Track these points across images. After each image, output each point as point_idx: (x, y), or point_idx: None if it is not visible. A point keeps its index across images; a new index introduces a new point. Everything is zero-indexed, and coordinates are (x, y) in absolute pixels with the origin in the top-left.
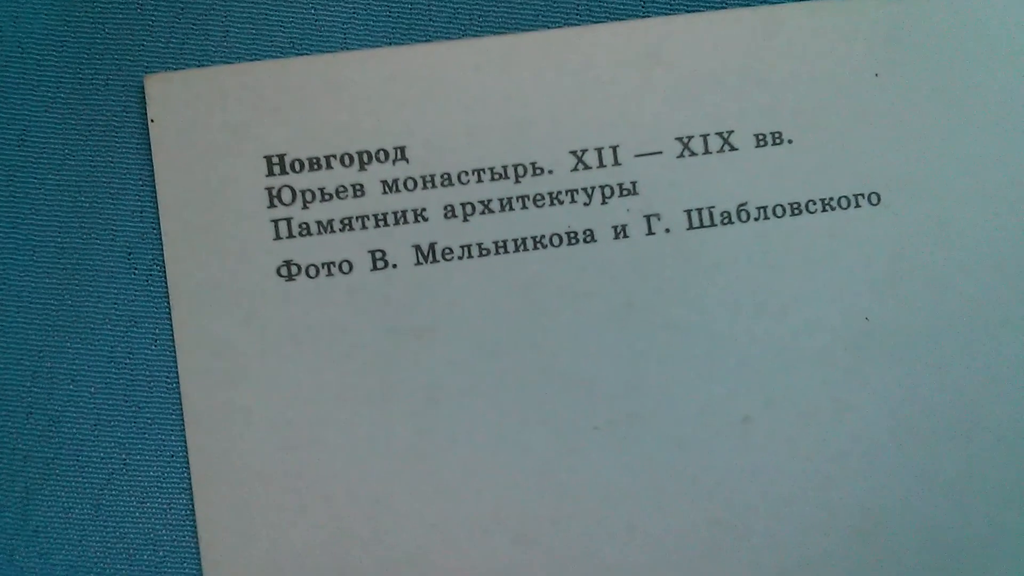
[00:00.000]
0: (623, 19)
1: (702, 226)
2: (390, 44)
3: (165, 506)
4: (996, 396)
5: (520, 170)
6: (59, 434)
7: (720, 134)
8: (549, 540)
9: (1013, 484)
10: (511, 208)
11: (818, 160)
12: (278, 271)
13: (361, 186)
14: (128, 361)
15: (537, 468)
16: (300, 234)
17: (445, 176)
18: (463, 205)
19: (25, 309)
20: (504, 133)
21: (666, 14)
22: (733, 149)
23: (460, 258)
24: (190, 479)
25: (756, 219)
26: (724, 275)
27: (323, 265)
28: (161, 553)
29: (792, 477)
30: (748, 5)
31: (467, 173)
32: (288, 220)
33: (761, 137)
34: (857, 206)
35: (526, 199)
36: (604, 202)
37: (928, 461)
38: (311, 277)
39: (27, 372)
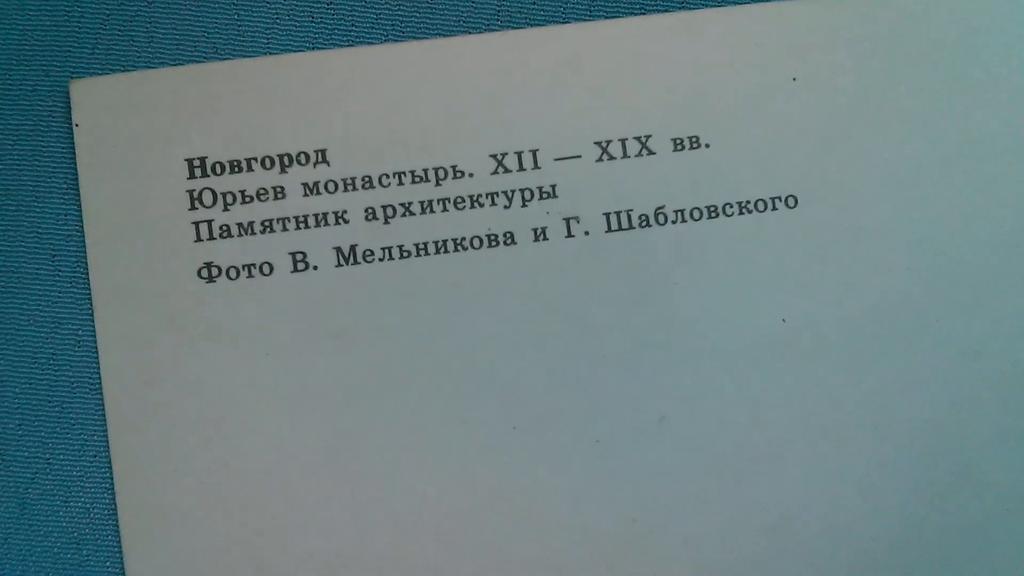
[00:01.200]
0: (543, 25)
1: (620, 229)
2: (312, 48)
3: (88, 505)
4: (908, 396)
5: (441, 173)
6: None
7: (638, 138)
8: (468, 539)
9: (925, 482)
10: (432, 211)
11: (735, 164)
12: (199, 273)
13: (282, 188)
14: (51, 362)
15: (456, 468)
16: (221, 236)
17: (366, 179)
18: (384, 208)
19: None
20: (425, 136)
21: (586, 19)
22: (651, 153)
23: (381, 260)
24: (112, 479)
25: (674, 222)
26: (642, 277)
27: (244, 267)
28: (84, 552)
29: (707, 476)
30: (667, 11)
31: (388, 176)
32: (209, 222)
33: (679, 141)
34: (774, 209)
35: (447, 202)
36: (524, 205)
37: (841, 460)
38: (232, 279)
39: None
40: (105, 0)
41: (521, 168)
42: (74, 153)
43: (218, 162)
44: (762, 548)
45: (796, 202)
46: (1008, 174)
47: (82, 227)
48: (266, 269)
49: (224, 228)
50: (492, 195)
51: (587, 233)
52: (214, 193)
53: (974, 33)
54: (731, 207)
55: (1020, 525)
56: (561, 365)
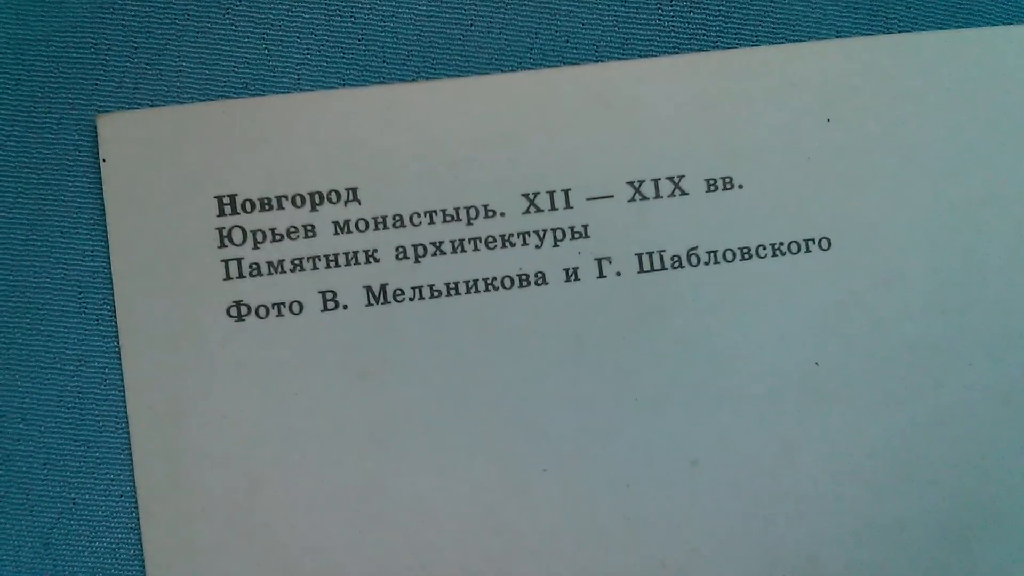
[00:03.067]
0: (577, 63)
1: (652, 270)
2: (343, 86)
3: (114, 545)
4: (937, 439)
5: (472, 212)
6: (8, 472)
7: (671, 179)
8: None
9: (955, 528)
10: (463, 250)
11: (768, 205)
12: (228, 311)
13: (312, 227)
14: (77, 400)
15: (484, 509)
16: (250, 274)
17: (397, 217)
18: (415, 247)
19: None
20: (456, 175)
21: (619, 59)
22: (684, 194)
23: (411, 300)
24: (139, 518)
25: (706, 263)
26: (674, 319)
27: (273, 305)
28: None
29: (737, 520)
30: (701, 50)
31: (419, 215)
32: (239, 260)
33: (712, 182)
34: (807, 251)
35: (478, 241)
36: (556, 245)
37: (870, 504)
38: (261, 317)
39: None
40: (133, 34)
41: (553, 208)
42: (101, 189)
43: (248, 199)
44: None
45: (829, 244)
46: None
47: (109, 264)
48: (296, 308)
49: (254, 266)
50: (524, 235)
51: (619, 274)
52: (244, 231)
53: (1008, 73)
54: (764, 248)
55: None
56: (592, 407)
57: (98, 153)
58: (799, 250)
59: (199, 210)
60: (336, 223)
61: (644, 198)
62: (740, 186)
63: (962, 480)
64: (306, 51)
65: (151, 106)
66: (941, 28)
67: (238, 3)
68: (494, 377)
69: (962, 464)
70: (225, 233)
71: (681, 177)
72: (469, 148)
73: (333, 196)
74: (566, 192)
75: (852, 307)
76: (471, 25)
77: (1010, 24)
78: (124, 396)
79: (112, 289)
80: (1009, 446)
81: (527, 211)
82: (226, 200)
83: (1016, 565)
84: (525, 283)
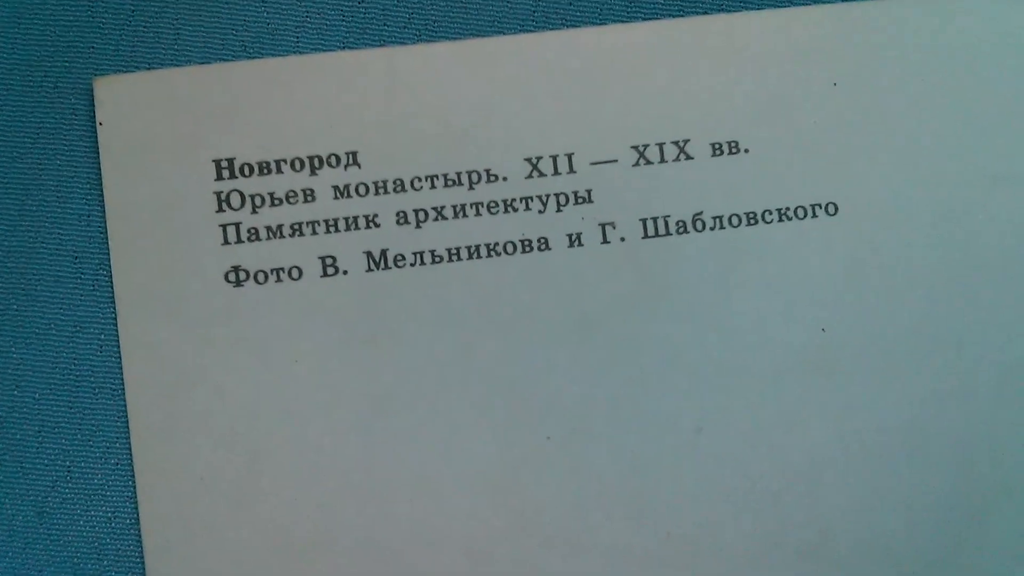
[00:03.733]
0: (579, 26)
1: (657, 235)
2: (343, 48)
3: (110, 514)
4: (948, 411)
5: (474, 177)
6: (2, 440)
7: (676, 143)
8: (499, 551)
9: (965, 499)
10: (465, 215)
11: (775, 170)
12: (226, 277)
13: (312, 191)
14: (73, 367)
15: (488, 479)
16: (249, 239)
17: (398, 182)
18: (416, 212)
19: None
20: (458, 139)
21: (623, 21)
22: (689, 158)
23: (412, 265)
24: (135, 487)
25: (712, 228)
26: (679, 285)
27: (272, 271)
28: (105, 562)
29: (743, 490)
30: (706, 13)
31: (420, 179)
32: (237, 225)
33: (717, 146)
34: (814, 216)
35: (480, 206)
36: (559, 210)
37: (880, 475)
38: (260, 283)
39: None
40: None
41: (556, 172)
42: (98, 152)
43: (246, 163)
44: (800, 565)
45: (836, 209)
46: None
47: (105, 229)
48: (295, 273)
49: (252, 231)
50: (526, 199)
51: (623, 239)
52: (242, 195)
53: (1020, 37)
54: (770, 214)
55: None
56: (596, 374)
57: (95, 116)
58: (806, 215)
59: (196, 174)
60: (336, 187)
61: (649, 163)
62: (746, 150)
63: (975, 454)
64: (305, 13)
65: (148, 69)
66: None
67: None
68: (496, 344)
69: (975, 438)
70: (223, 197)
71: (686, 141)
72: (471, 112)
73: (333, 160)
74: (569, 156)
75: (860, 274)
76: None
77: None
78: (120, 363)
79: (108, 254)
80: (1018, 420)
81: (530, 175)
82: (224, 164)
83: None
84: (528, 249)
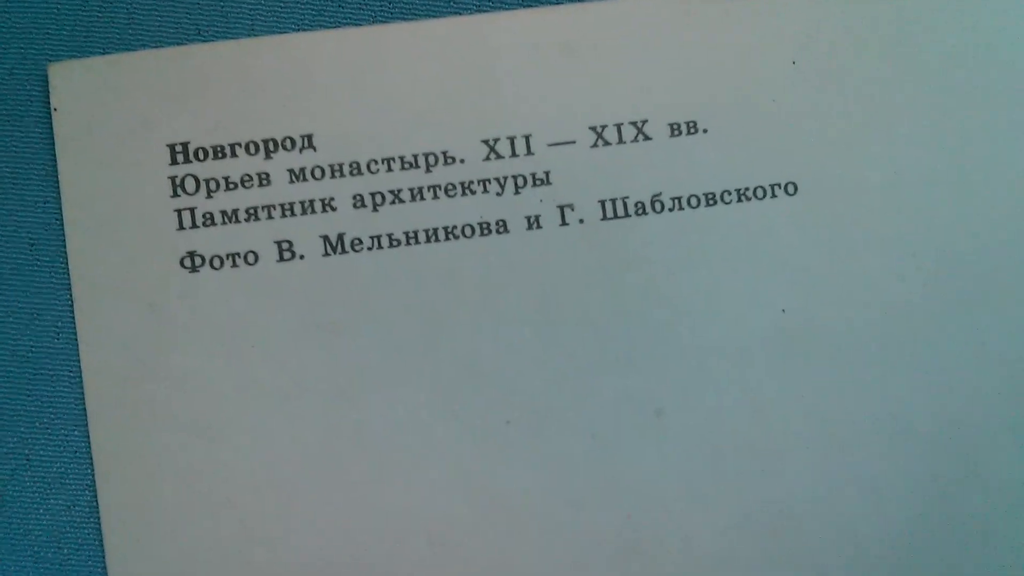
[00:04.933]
0: (537, 6)
1: (616, 217)
2: (298, 30)
3: (69, 503)
4: (913, 392)
5: (431, 159)
6: None
7: (634, 123)
8: (461, 537)
9: (930, 480)
10: (422, 198)
11: (733, 150)
12: (182, 262)
13: (267, 175)
14: (30, 354)
15: (449, 464)
16: (204, 224)
17: (354, 165)
18: (372, 195)
19: None
20: (414, 121)
21: (580, 1)
22: (647, 139)
23: (369, 249)
24: (94, 475)
25: (671, 209)
26: (638, 266)
27: (228, 256)
28: (65, 551)
29: (706, 472)
30: None
31: (376, 162)
32: (192, 210)
33: (676, 126)
34: (773, 196)
35: (437, 189)
36: (517, 192)
37: (844, 457)
38: (215, 268)
39: None
40: None
41: (514, 154)
42: (53, 138)
43: (201, 147)
44: (763, 546)
45: (796, 189)
46: (1016, 162)
47: (61, 214)
48: (251, 258)
49: (207, 216)
50: (484, 182)
51: (582, 221)
52: (197, 180)
53: (981, 19)
54: (729, 194)
55: None
56: (555, 357)
57: (49, 102)
58: (765, 195)
59: (151, 159)
60: (291, 171)
61: (607, 143)
62: (704, 131)
63: (939, 435)
64: None
65: (103, 54)
66: None
67: None
68: (455, 328)
69: (939, 418)
70: (178, 182)
71: (644, 122)
72: (427, 93)
73: (288, 143)
74: (527, 138)
75: (820, 253)
76: None
77: None
78: (78, 350)
79: (65, 240)
80: (986, 399)
81: (487, 158)
82: (178, 148)
83: (997, 520)
84: (486, 231)
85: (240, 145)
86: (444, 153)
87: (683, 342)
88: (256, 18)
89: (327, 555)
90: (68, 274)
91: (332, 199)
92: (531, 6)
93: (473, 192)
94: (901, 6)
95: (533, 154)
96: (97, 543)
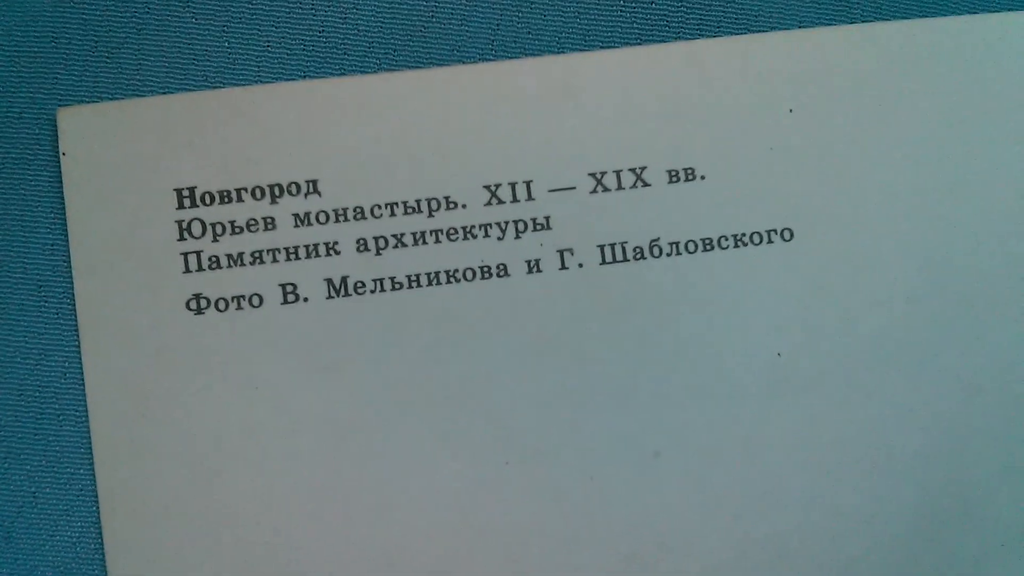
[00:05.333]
0: (538, 55)
1: (615, 261)
2: (304, 77)
3: (74, 540)
4: (906, 430)
5: (433, 204)
6: None
7: (633, 170)
8: None
9: (923, 517)
10: (424, 242)
11: (731, 196)
12: (187, 304)
13: (272, 219)
14: (38, 394)
15: (448, 504)
16: (210, 267)
17: (357, 209)
18: (376, 239)
19: None
20: (417, 167)
21: (581, 50)
22: (646, 185)
23: (372, 292)
24: (99, 514)
25: (668, 255)
26: (636, 310)
27: (233, 299)
28: None
29: (703, 512)
30: (663, 42)
31: (380, 207)
32: (198, 253)
33: (674, 173)
34: (770, 242)
35: (439, 233)
36: (517, 236)
37: (838, 496)
38: (220, 311)
39: None
40: (93, 27)
41: (515, 199)
42: (61, 182)
43: (208, 192)
44: None
45: (792, 235)
46: (1006, 207)
47: (69, 258)
48: (255, 301)
49: (213, 259)
50: (485, 227)
51: (581, 266)
52: (203, 224)
53: (974, 64)
54: (726, 240)
55: (1018, 560)
56: (554, 400)
57: (58, 147)
58: (761, 241)
59: (159, 203)
60: (296, 215)
61: (606, 189)
62: (702, 177)
63: (933, 472)
64: (266, 43)
65: (111, 99)
66: (906, 18)
67: None
68: (456, 370)
69: (932, 456)
70: (184, 226)
71: (643, 168)
72: (430, 140)
73: (293, 188)
74: (528, 184)
75: (815, 298)
76: (432, 17)
77: (975, 13)
78: (84, 391)
79: (72, 283)
80: (979, 436)
81: (489, 203)
82: (185, 193)
83: (990, 558)
84: (487, 275)
85: (246, 190)
86: (446, 198)
87: (680, 385)
88: (262, 65)
89: None
90: (75, 316)
91: (336, 243)
92: (534, 55)
93: (475, 236)
94: (896, 54)
95: (534, 199)
96: None
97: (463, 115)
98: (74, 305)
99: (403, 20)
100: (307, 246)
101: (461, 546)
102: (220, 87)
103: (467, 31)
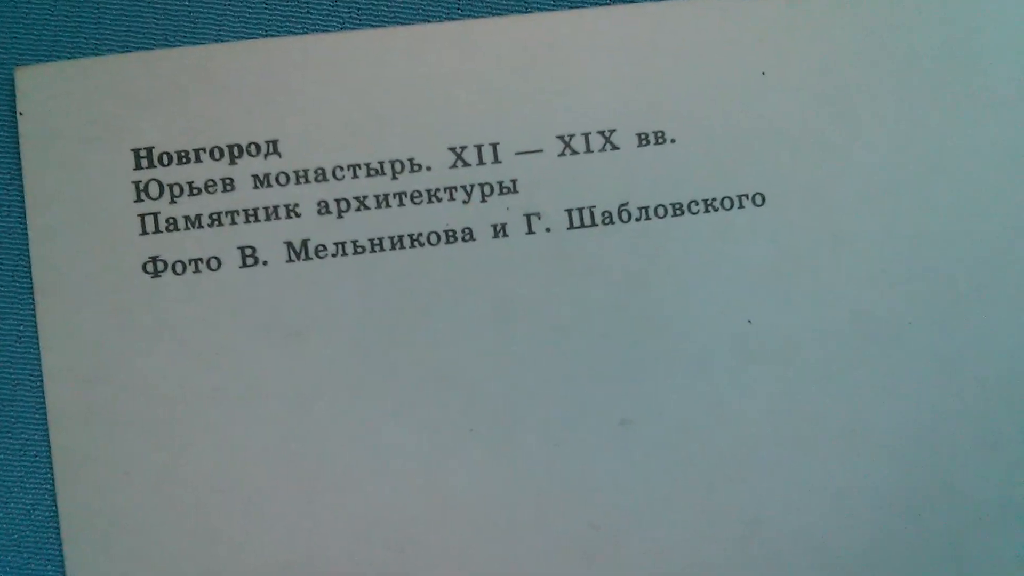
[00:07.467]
0: (505, 14)
1: (583, 226)
2: (265, 36)
3: (29, 507)
4: (882, 403)
5: (397, 166)
6: None
7: (602, 132)
8: (424, 544)
9: (900, 492)
10: (387, 205)
11: (701, 160)
12: (144, 267)
13: (231, 180)
14: None
15: (412, 471)
16: (167, 229)
17: (319, 171)
18: (337, 201)
19: None
20: (381, 128)
21: (549, 9)
22: (615, 148)
23: (334, 256)
24: (54, 479)
25: (637, 219)
26: (604, 275)
27: (191, 261)
28: (25, 555)
29: (672, 482)
30: (633, 2)
31: (342, 168)
32: (155, 215)
33: (644, 136)
34: (741, 207)
35: (403, 196)
36: (483, 200)
37: (813, 467)
38: (178, 274)
39: None
40: None
41: (481, 162)
42: (18, 142)
43: (165, 152)
44: (729, 557)
45: (763, 200)
46: (987, 177)
47: (25, 219)
48: (213, 264)
49: (171, 221)
50: (450, 189)
51: (548, 230)
52: (161, 184)
53: (950, 27)
54: (696, 204)
55: (995, 536)
56: (520, 366)
57: (15, 106)
58: (732, 206)
59: (116, 163)
60: (256, 176)
61: (574, 152)
62: (672, 140)
63: (909, 446)
64: (227, 1)
65: (70, 58)
66: None
67: None
68: (420, 336)
69: (909, 430)
70: (142, 187)
71: (612, 131)
72: (394, 100)
73: (253, 149)
74: (494, 146)
75: (787, 266)
76: None
77: None
78: (39, 354)
79: (28, 244)
80: (957, 412)
81: (454, 165)
82: (143, 153)
83: (966, 532)
84: (452, 239)
85: (205, 150)
86: (410, 160)
87: (649, 352)
88: (223, 24)
89: (290, 559)
90: (31, 278)
91: (296, 205)
92: (501, 14)
93: (439, 200)
94: (870, 16)
95: (500, 162)
96: (57, 548)
97: (428, 76)
98: (30, 267)
99: None
100: (267, 208)
101: (425, 513)
102: (179, 45)
103: None
